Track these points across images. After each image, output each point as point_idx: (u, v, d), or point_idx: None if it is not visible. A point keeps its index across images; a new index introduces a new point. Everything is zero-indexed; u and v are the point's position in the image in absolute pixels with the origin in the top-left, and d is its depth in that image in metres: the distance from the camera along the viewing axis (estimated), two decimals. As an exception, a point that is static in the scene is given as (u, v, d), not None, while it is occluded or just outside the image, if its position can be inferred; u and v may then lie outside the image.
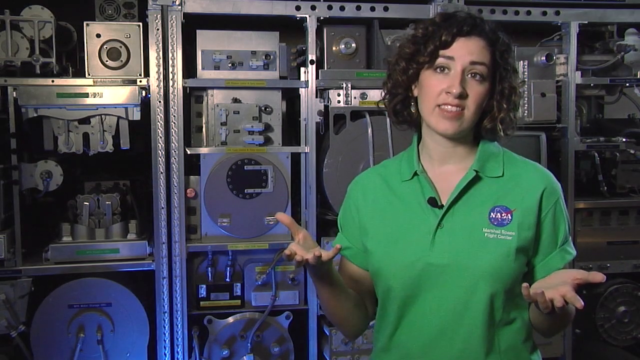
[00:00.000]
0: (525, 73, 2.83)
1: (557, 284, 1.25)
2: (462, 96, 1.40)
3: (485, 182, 1.47)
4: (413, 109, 1.53)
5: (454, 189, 1.46)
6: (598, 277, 1.22)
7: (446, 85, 1.41)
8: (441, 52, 1.43)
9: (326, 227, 2.79)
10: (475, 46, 1.43)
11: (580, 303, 1.18)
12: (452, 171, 1.49)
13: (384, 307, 1.54)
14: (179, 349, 2.69)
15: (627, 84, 3.09)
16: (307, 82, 2.72)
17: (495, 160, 1.50)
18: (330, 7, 2.72)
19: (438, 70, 1.44)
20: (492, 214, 1.44)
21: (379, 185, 1.56)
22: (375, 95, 2.71)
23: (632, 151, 3.02)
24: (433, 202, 1.46)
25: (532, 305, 1.39)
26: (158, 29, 2.59)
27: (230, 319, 2.73)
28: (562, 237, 1.47)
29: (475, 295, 1.41)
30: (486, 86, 1.44)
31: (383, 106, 1.60)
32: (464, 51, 1.42)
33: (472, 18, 1.46)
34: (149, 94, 2.63)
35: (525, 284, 1.24)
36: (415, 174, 1.51)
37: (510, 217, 1.43)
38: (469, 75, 1.42)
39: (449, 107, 1.41)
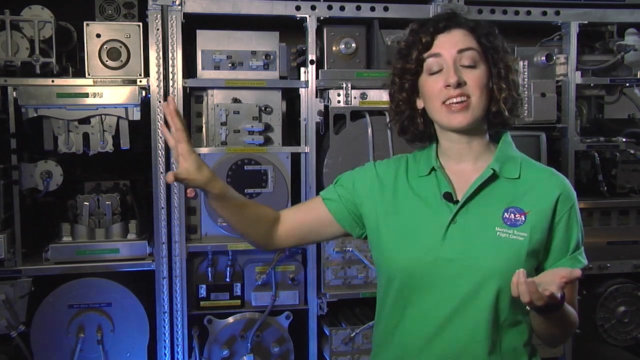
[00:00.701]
0: (525, 73, 2.83)
1: (548, 282, 1.25)
2: (461, 84, 1.42)
3: (501, 182, 1.48)
4: (419, 121, 1.54)
5: (470, 186, 1.47)
6: (576, 273, 1.23)
7: (443, 81, 1.43)
8: (426, 54, 1.46)
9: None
10: (457, 37, 1.45)
11: (542, 302, 1.23)
12: (469, 169, 1.50)
13: (385, 298, 1.54)
14: (179, 349, 2.69)
15: (627, 84, 3.09)
16: (307, 82, 2.72)
17: (513, 163, 1.50)
18: (330, 7, 2.72)
19: (432, 71, 1.46)
20: (505, 214, 1.44)
21: (400, 177, 1.57)
22: (375, 95, 2.71)
23: (632, 151, 3.02)
24: (448, 197, 1.47)
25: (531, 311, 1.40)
26: (158, 29, 2.60)
27: (230, 319, 2.73)
28: (574, 245, 1.48)
29: (481, 293, 1.41)
30: (483, 70, 1.45)
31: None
32: (448, 44, 1.44)
33: (446, 14, 1.49)
34: (149, 94, 2.63)
35: (521, 270, 1.25)
36: (433, 169, 1.53)
37: (523, 219, 1.43)
38: (462, 65, 1.44)
39: (454, 99, 1.42)
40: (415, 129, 1.56)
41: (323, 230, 1.65)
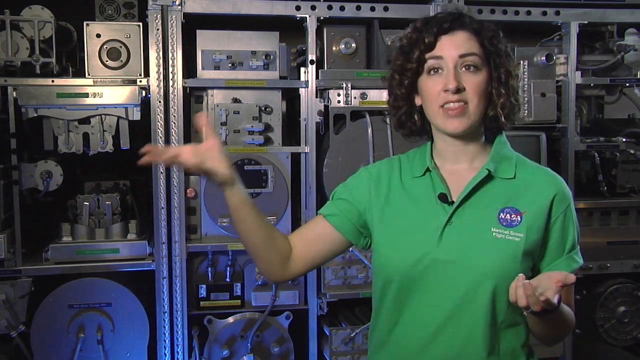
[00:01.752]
0: (525, 73, 2.83)
1: (544, 286, 1.25)
2: (460, 90, 1.41)
3: (496, 183, 1.48)
4: (416, 117, 1.54)
5: (465, 187, 1.47)
6: (570, 278, 1.23)
7: (442, 84, 1.42)
8: (428, 54, 1.45)
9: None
10: (460, 40, 1.44)
11: (538, 307, 1.23)
12: (464, 170, 1.50)
13: (382, 301, 1.54)
14: (179, 349, 2.69)
15: (627, 84, 3.09)
16: (307, 82, 2.72)
17: (508, 163, 1.50)
18: (330, 7, 2.72)
19: (432, 72, 1.45)
20: (501, 214, 1.44)
21: (394, 179, 1.56)
22: (375, 95, 2.71)
23: (632, 151, 3.02)
24: (443, 198, 1.47)
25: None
26: (158, 29, 2.60)
27: (230, 319, 2.73)
28: (569, 244, 1.47)
29: (478, 294, 1.41)
30: (483, 75, 1.44)
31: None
32: (450, 47, 1.43)
33: (451, 14, 1.47)
34: (149, 94, 2.63)
35: (520, 274, 1.25)
36: (428, 170, 1.52)
37: (519, 219, 1.43)
38: (463, 69, 1.43)
39: (451, 104, 1.42)
40: (412, 125, 1.55)
41: (330, 248, 1.62)
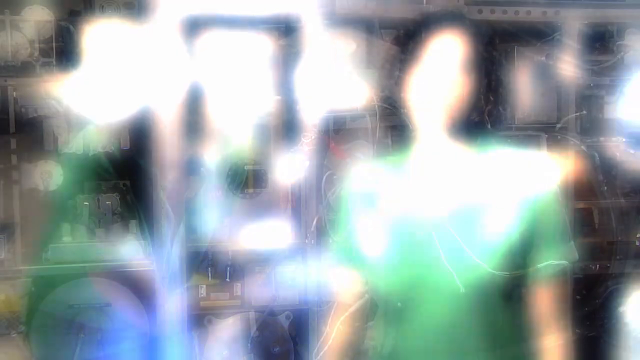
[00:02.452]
0: (525, 73, 2.83)
1: None
2: (447, 92, 1.40)
3: (488, 183, 1.47)
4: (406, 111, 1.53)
5: (455, 188, 1.46)
6: None
7: (430, 82, 1.41)
8: (421, 51, 1.43)
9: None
10: (455, 42, 1.42)
11: None
12: (451, 171, 1.49)
13: (382, 305, 1.54)
14: (179, 349, 2.69)
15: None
16: (307, 82, 2.72)
17: (497, 160, 1.49)
18: (330, 7, 2.72)
19: (422, 69, 1.43)
20: (494, 212, 1.43)
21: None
22: (375, 95, 2.71)
23: (632, 151, 3.02)
24: (435, 201, 1.46)
25: None
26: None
27: (230, 319, 2.73)
28: (559, 236, 1.47)
29: (476, 295, 1.41)
30: (472, 80, 1.42)
31: None
32: (444, 47, 1.42)
33: (451, 14, 1.47)
34: (149, 94, 2.63)
35: None
36: (415, 173, 1.51)
37: (514, 217, 1.43)
38: (453, 71, 1.41)
39: (436, 105, 1.41)
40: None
41: None
